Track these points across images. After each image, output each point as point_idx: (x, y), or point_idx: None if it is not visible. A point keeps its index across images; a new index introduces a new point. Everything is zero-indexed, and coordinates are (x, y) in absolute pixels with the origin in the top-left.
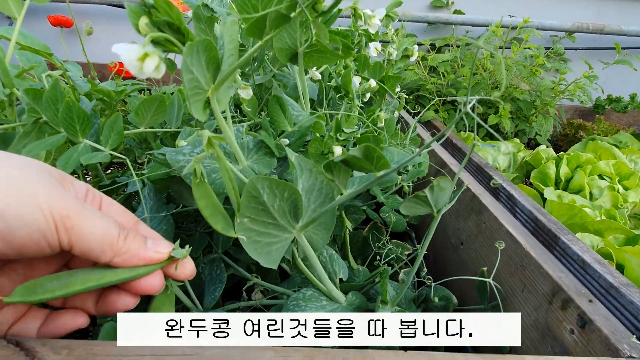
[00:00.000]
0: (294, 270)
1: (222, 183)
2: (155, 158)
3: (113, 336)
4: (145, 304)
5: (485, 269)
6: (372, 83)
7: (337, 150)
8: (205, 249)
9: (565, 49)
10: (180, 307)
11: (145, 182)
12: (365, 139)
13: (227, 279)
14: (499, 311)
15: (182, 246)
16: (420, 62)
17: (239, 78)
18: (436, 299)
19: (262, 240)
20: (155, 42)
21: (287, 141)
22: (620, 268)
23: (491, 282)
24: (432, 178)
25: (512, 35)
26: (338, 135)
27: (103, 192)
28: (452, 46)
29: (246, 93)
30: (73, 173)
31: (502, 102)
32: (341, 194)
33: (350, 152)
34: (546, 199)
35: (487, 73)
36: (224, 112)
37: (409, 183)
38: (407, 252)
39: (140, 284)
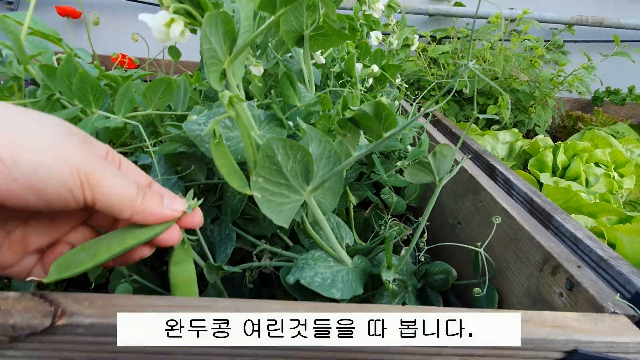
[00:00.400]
0: (303, 235)
1: (236, 150)
2: (166, 132)
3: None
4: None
5: (479, 244)
6: (375, 68)
7: None
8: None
9: (565, 41)
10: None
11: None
12: (366, 117)
13: (235, 251)
14: (492, 283)
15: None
16: (421, 53)
17: (251, 55)
18: (437, 273)
19: (274, 200)
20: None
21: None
22: (612, 247)
23: (482, 252)
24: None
25: (511, 27)
26: (345, 112)
27: None
28: (452, 38)
29: (258, 70)
30: None
31: (503, 92)
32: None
33: (362, 107)
34: (543, 184)
35: (487, 64)
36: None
37: (409, 163)
38: (406, 233)
39: (159, 237)
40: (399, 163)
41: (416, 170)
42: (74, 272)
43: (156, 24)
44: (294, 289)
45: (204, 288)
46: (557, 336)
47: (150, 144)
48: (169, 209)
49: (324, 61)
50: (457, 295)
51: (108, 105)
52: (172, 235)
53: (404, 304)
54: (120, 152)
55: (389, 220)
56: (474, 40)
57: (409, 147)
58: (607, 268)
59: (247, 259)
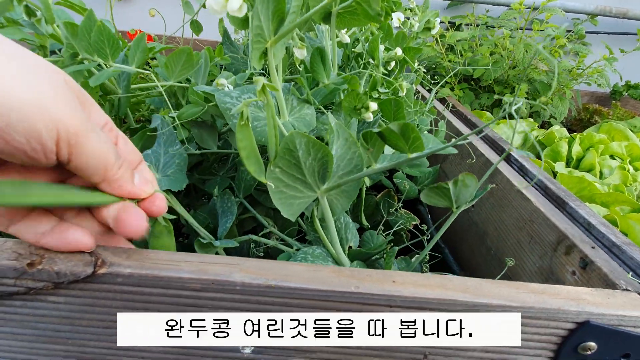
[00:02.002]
0: (310, 228)
1: (262, 132)
2: (192, 94)
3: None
4: None
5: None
6: (398, 51)
7: (373, 105)
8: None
9: (586, 32)
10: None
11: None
12: (387, 103)
13: (248, 221)
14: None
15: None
16: (439, 39)
17: (297, 37)
18: None
19: (287, 192)
20: None
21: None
22: (625, 235)
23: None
24: (454, 147)
25: (533, 16)
26: (373, 93)
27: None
28: (471, 25)
29: (300, 53)
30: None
31: (519, 82)
32: (369, 167)
33: (390, 126)
34: (557, 173)
35: (506, 52)
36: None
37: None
38: (414, 222)
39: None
40: (427, 164)
41: (434, 194)
42: None
43: None
44: None
45: None
46: (570, 307)
47: (171, 110)
48: (137, 187)
49: (348, 40)
50: (463, 270)
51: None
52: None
53: None
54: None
55: (399, 208)
56: (493, 27)
57: (426, 133)
58: (619, 253)
59: (258, 230)
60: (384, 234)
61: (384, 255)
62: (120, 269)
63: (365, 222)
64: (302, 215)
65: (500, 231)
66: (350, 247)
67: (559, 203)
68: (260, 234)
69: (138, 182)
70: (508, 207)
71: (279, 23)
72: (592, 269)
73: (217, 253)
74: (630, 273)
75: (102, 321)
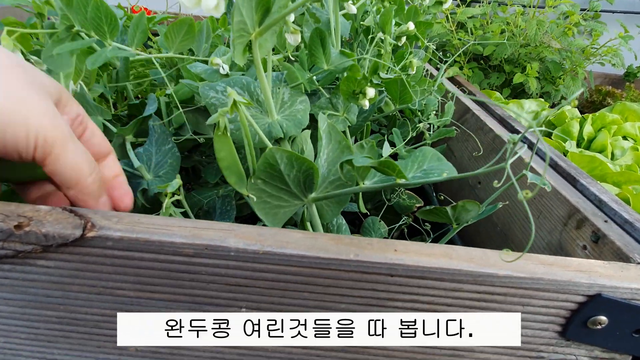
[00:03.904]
0: (301, 227)
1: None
2: (186, 70)
3: None
4: None
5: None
6: (411, 26)
7: (370, 92)
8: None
9: (602, 11)
10: None
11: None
12: (394, 83)
13: (242, 209)
14: (511, 237)
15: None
16: (450, 15)
17: (290, 21)
18: None
19: (271, 202)
20: None
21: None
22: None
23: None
24: (455, 129)
25: None
26: (373, 78)
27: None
28: (482, 1)
29: (294, 39)
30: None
31: (530, 60)
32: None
33: (369, 163)
34: (567, 152)
35: (518, 30)
36: (266, 55)
37: (430, 132)
38: (417, 205)
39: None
40: (420, 125)
41: (430, 214)
42: None
43: None
44: None
45: None
46: (582, 279)
47: (168, 85)
48: (101, 204)
49: (355, 11)
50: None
51: (127, 42)
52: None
53: None
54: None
55: (402, 191)
56: (505, 4)
57: (433, 114)
58: (632, 230)
59: (254, 217)
60: (386, 219)
61: None
62: (110, 232)
63: (364, 209)
64: None
65: (506, 206)
66: None
67: (570, 180)
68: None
69: (102, 203)
70: (518, 182)
71: (264, 13)
72: (604, 242)
73: None
74: None
75: (93, 287)
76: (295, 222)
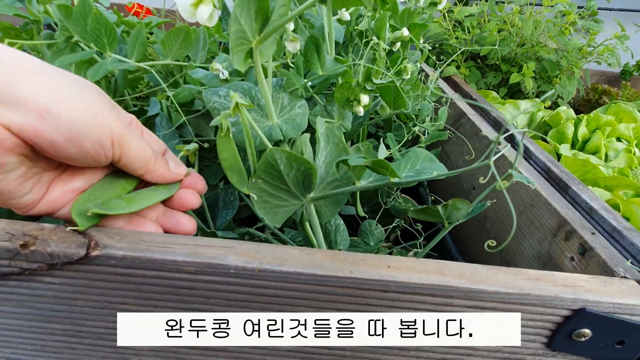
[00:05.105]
0: (299, 227)
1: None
2: (188, 76)
3: None
4: None
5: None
6: (405, 32)
7: (364, 98)
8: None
9: (599, 9)
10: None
11: (167, 106)
12: (387, 89)
13: (241, 212)
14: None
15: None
16: (447, 14)
17: (290, 29)
18: None
19: (271, 202)
20: None
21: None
22: (627, 219)
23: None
24: (449, 133)
25: None
26: (366, 84)
27: None
28: (479, 0)
29: (293, 47)
30: None
31: (526, 60)
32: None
33: (364, 163)
34: (561, 155)
35: (514, 29)
36: (266, 62)
37: (425, 134)
38: (412, 208)
39: (182, 199)
40: (416, 128)
41: (423, 213)
42: (110, 212)
43: (183, 2)
44: None
45: None
46: (566, 294)
47: (167, 91)
48: (173, 172)
49: (348, 17)
50: (461, 253)
51: (126, 51)
52: (192, 199)
53: None
54: (135, 98)
55: (398, 195)
56: (502, 2)
57: (427, 119)
58: (620, 239)
59: (252, 218)
60: (382, 222)
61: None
62: (113, 251)
63: (361, 212)
64: None
65: (500, 215)
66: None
67: (562, 187)
68: (254, 227)
69: (173, 167)
70: (509, 190)
71: (263, 21)
72: (591, 255)
73: None
74: (630, 260)
75: (97, 302)
76: (295, 222)
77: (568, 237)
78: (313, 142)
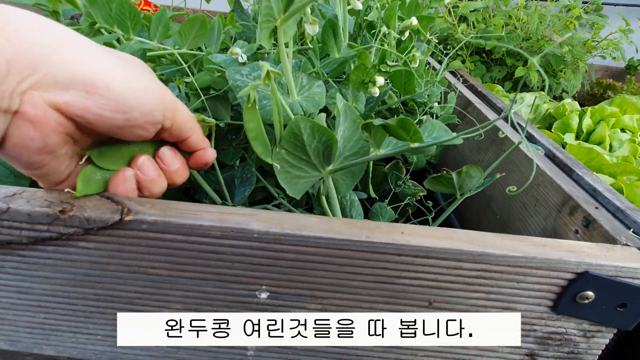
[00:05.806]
0: (316, 203)
1: (271, 111)
2: (207, 62)
3: None
4: None
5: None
6: (414, 21)
7: (380, 80)
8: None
9: (603, 3)
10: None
11: (186, 93)
12: (398, 74)
13: (255, 194)
14: (509, 224)
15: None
16: (452, 9)
17: (309, 12)
18: None
19: (292, 172)
20: None
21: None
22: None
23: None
24: (458, 121)
25: None
26: (381, 67)
27: None
28: None
29: (312, 29)
30: None
31: (529, 55)
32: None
33: (389, 120)
34: (566, 145)
35: (520, 23)
36: (287, 43)
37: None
38: (421, 194)
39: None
40: (424, 117)
41: (436, 182)
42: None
43: None
44: None
45: None
46: (570, 258)
47: (190, 76)
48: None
49: (360, 7)
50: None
51: (146, 38)
52: (211, 155)
53: None
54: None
55: (407, 180)
56: None
57: (436, 104)
58: (623, 217)
59: (267, 200)
60: (392, 206)
61: None
62: (145, 217)
63: (373, 194)
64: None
65: (506, 195)
66: None
67: (566, 171)
68: (271, 204)
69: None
70: (515, 171)
71: (288, 1)
72: (594, 227)
73: None
74: (631, 229)
75: (128, 266)
76: (308, 204)
77: (572, 212)
78: (327, 125)
